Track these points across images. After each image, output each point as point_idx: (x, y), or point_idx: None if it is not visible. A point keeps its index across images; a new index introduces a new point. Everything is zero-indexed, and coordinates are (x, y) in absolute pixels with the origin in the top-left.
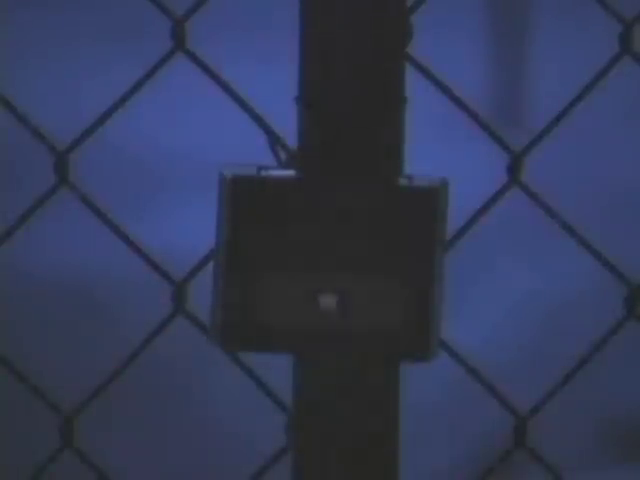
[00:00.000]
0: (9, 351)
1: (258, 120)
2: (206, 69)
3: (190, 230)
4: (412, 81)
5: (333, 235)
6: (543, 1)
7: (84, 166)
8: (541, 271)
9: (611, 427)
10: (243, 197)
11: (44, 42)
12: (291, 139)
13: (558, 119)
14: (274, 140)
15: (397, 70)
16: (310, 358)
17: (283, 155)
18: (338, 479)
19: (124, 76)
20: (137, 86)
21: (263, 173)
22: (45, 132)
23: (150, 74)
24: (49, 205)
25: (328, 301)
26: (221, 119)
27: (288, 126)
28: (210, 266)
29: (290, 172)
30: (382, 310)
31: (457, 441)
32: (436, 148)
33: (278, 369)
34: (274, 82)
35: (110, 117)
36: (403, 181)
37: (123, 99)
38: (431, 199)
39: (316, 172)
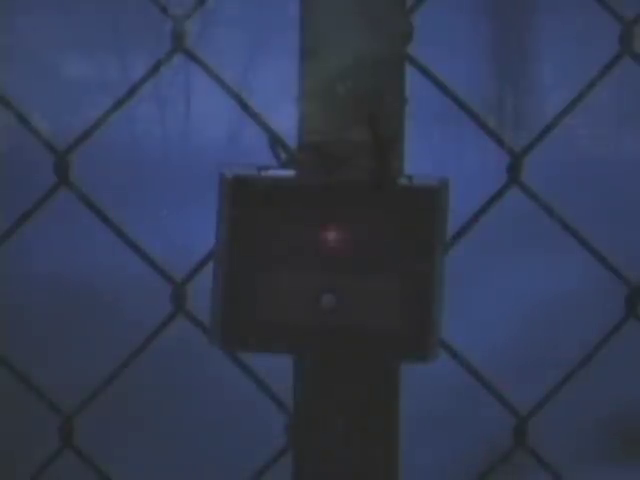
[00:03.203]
0: (9, 351)
1: (258, 120)
2: (206, 69)
3: (190, 230)
4: (412, 81)
5: (333, 235)
6: (544, 1)
7: (84, 166)
8: (541, 271)
9: (611, 427)
10: (243, 197)
11: (44, 42)
12: (291, 139)
13: (558, 119)
14: (274, 140)
15: (397, 70)
16: (310, 358)
17: (283, 155)
18: (338, 479)
19: (124, 76)
20: (137, 86)
21: (263, 173)
22: (45, 132)
23: (150, 74)
24: (49, 205)
25: (328, 301)
26: (221, 119)
27: (288, 126)
28: (210, 266)
29: (290, 172)
30: (382, 310)
31: (457, 441)
32: (436, 148)
33: (278, 369)
34: (274, 81)
35: (110, 117)
36: (403, 181)
37: (123, 99)
38: (431, 199)
39: (316, 172)
